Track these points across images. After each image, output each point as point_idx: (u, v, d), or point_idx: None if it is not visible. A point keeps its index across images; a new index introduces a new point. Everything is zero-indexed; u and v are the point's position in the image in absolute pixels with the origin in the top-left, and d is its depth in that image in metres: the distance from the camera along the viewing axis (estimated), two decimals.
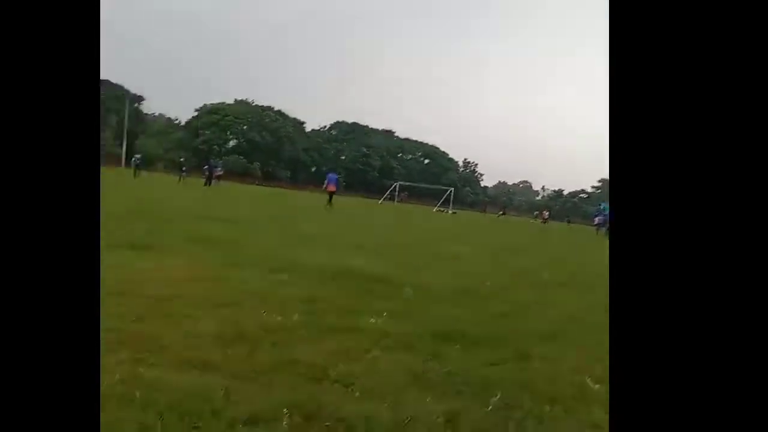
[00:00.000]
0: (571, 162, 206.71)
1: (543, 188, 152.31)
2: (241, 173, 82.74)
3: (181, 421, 2.28)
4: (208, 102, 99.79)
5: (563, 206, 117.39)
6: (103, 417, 2.22)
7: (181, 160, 48.62)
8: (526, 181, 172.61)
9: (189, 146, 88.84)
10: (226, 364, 2.95)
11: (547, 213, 67.75)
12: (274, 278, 5.47)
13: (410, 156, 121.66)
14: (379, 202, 58.47)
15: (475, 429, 2.56)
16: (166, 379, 2.64)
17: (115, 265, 4.98)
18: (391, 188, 65.68)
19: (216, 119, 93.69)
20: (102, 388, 2.43)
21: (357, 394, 2.77)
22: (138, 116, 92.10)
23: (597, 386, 3.18)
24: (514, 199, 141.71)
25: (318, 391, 2.75)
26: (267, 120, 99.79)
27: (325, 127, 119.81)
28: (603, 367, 3.47)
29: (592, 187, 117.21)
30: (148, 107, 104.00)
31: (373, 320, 4.16)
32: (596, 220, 35.75)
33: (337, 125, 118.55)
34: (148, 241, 6.75)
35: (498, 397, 2.90)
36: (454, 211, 56.77)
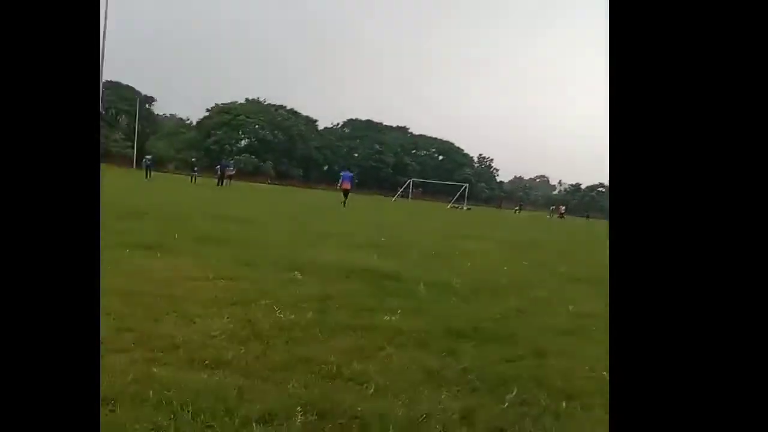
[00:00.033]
0: (588, 156, 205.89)
1: (560, 182, 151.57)
2: (253, 172, 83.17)
3: (194, 421, 2.28)
4: (220, 102, 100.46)
5: (581, 200, 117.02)
6: (116, 417, 2.24)
7: (193, 160, 49.07)
8: (543, 176, 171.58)
9: (201, 146, 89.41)
10: (239, 362, 2.95)
11: (563, 208, 67.43)
12: (288, 277, 5.46)
13: (424, 152, 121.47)
14: (393, 199, 58.43)
15: (491, 426, 2.54)
16: (179, 379, 2.64)
17: (128, 265, 5.00)
18: (405, 185, 65.54)
19: (228, 119, 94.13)
20: (115, 388, 2.44)
21: (371, 391, 2.76)
22: (149, 117, 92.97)
23: None
24: (530, 194, 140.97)
25: (332, 389, 2.73)
26: (279, 119, 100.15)
27: (338, 124, 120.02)
28: None
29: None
30: (159, 108, 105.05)
31: (387, 318, 4.14)
32: None
33: (351, 123, 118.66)
34: (161, 241, 6.77)
35: (514, 393, 2.88)
36: (468, 207, 56.68)
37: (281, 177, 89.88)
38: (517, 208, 74.11)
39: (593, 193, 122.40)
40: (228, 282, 4.94)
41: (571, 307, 5.29)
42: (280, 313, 3.97)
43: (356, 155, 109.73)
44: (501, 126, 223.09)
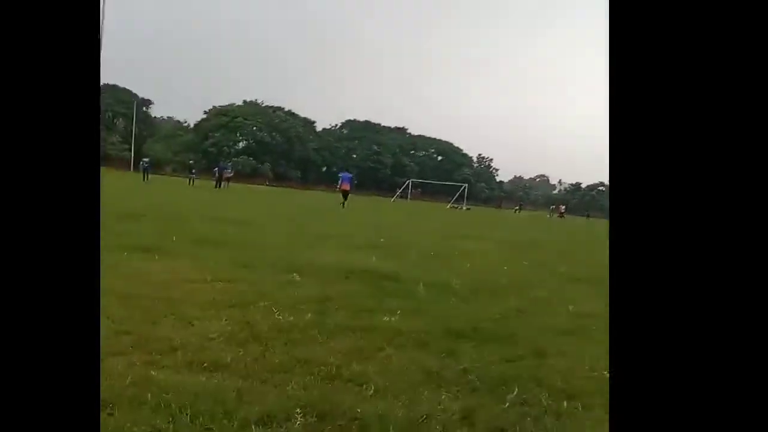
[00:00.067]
0: (588, 155, 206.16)
1: (560, 182, 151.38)
2: (251, 174, 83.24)
3: (193, 423, 2.27)
4: (217, 104, 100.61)
5: (581, 200, 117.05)
6: (115, 420, 2.23)
7: (191, 162, 48.99)
8: (543, 175, 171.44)
9: (198, 148, 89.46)
10: (238, 364, 2.94)
11: (563, 207, 67.45)
12: (286, 278, 5.45)
13: (423, 153, 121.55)
14: (392, 200, 58.43)
15: (492, 426, 2.53)
16: (177, 381, 2.63)
17: (126, 268, 4.99)
18: (404, 185, 65.50)
19: (225, 121, 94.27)
20: (114, 391, 2.43)
21: (371, 392, 2.75)
22: (146, 120, 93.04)
23: None
24: (530, 194, 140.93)
25: (331, 390, 2.72)
26: (277, 120, 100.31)
27: (336, 125, 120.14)
28: None
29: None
30: (156, 110, 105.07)
31: (386, 318, 4.13)
32: None
33: (349, 124, 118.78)
34: (159, 243, 6.76)
35: (514, 393, 2.87)
36: (468, 207, 56.73)
37: (279, 179, 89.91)
38: (517, 207, 74.30)
39: (593, 193, 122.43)
40: (226, 284, 4.93)
41: (571, 307, 5.28)
42: (278, 315, 3.96)
43: (355, 156, 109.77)
44: (500, 126, 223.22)
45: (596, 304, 5.47)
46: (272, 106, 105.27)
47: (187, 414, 2.31)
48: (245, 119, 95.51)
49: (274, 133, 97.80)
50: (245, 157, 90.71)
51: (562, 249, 13.68)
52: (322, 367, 2.99)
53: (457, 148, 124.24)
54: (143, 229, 7.81)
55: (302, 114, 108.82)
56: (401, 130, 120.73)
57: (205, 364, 2.90)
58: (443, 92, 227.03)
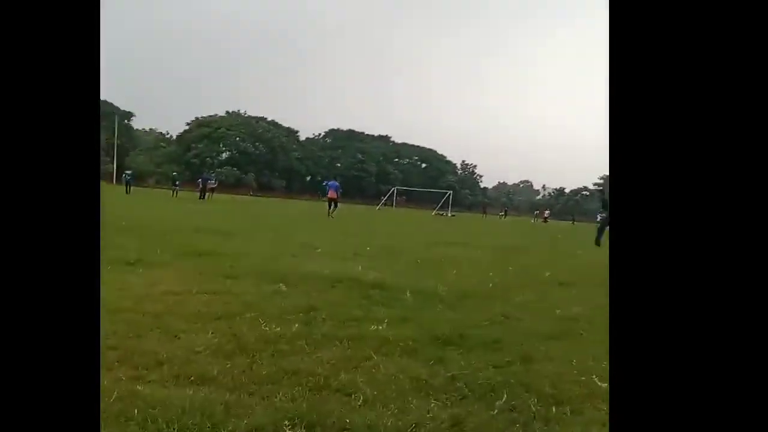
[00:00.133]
0: (572, 160, 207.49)
1: (544, 187, 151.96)
2: (235, 185, 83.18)
3: None
4: (200, 115, 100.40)
5: (565, 204, 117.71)
6: None
7: (174, 174, 48.80)
8: (526, 181, 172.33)
9: (181, 160, 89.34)
10: (225, 377, 2.92)
11: (547, 212, 68.04)
12: (272, 289, 5.43)
13: (407, 160, 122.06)
14: (377, 207, 58.38)
15: None
16: (164, 396, 2.61)
17: (110, 282, 4.94)
18: (389, 193, 65.46)
19: (208, 132, 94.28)
20: (100, 407, 2.40)
21: (359, 402, 2.74)
22: (128, 132, 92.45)
23: (604, 385, 3.13)
24: (514, 199, 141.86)
25: (319, 400, 2.71)
26: (260, 130, 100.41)
27: (319, 135, 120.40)
28: None
29: (594, 184, 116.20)
30: (138, 123, 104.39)
31: (373, 327, 4.12)
32: (599, 217, 35.48)
33: (332, 133, 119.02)
34: (143, 256, 6.71)
35: (503, 400, 2.87)
36: (453, 214, 56.81)
37: (264, 189, 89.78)
38: (502, 213, 75.23)
39: (577, 197, 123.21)
40: (212, 296, 4.90)
41: (557, 311, 5.29)
42: (265, 326, 3.93)
43: (339, 165, 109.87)
44: (484, 132, 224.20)
45: (582, 307, 5.50)
46: (255, 117, 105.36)
47: (174, 429, 2.29)
48: (228, 130, 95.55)
49: (257, 143, 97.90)
50: (229, 167, 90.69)
51: (546, 254, 13.73)
52: (310, 378, 2.98)
53: (441, 155, 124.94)
54: (127, 242, 7.73)
55: (285, 124, 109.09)
56: (384, 138, 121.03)
57: (192, 378, 2.87)
58: (425, 100, 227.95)
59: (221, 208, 26.76)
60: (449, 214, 54.51)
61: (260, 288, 5.43)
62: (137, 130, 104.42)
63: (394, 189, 66.90)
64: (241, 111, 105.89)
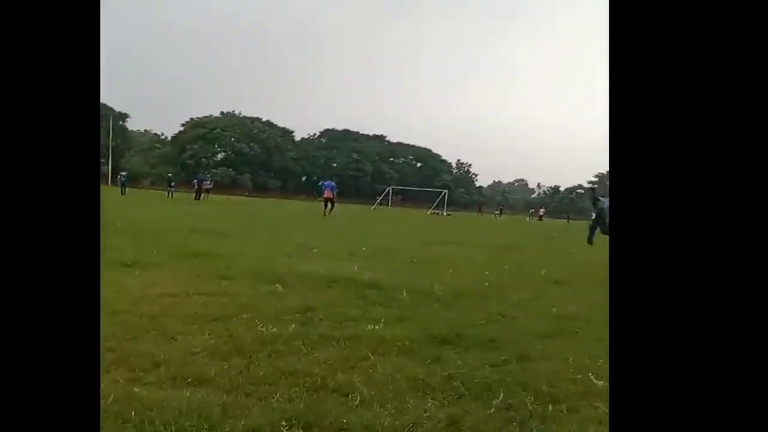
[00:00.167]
0: (567, 158, 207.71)
1: (539, 185, 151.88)
2: (230, 185, 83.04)
3: None
4: (194, 116, 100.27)
5: (560, 203, 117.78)
6: None
7: (170, 175, 48.68)
8: (521, 179, 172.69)
9: (176, 161, 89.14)
10: (222, 379, 2.92)
11: (542, 210, 68.20)
12: (269, 289, 5.43)
13: (402, 160, 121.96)
14: (373, 207, 58.31)
15: None
16: (161, 397, 2.60)
17: (107, 283, 4.92)
18: (384, 193, 65.43)
19: (203, 133, 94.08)
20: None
21: (356, 402, 2.74)
22: (123, 134, 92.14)
23: (600, 383, 3.15)
24: (509, 198, 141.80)
25: (317, 401, 2.71)
26: (255, 131, 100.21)
27: (314, 135, 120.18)
28: (606, 363, 3.44)
29: (589, 182, 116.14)
30: (133, 124, 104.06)
31: (370, 327, 4.13)
32: (593, 215, 35.29)
33: (327, 133, 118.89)
34: (139, 258, 6.70)
35: (500, 398, 2.87)
36: (448, 213, 56.85)
37: (259, 189, 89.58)
38: (498, 212, 75.40)
39: (572, 196, 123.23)
40: (208, 297, 4.89)
41: (554, 310, 5.31)
42: (262, 327, 3.93)
43: (334, 165, 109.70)
44: (478, 131, 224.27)
45: (578, 305, 5.51)
46: (250, 117, 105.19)
47: (171, 430, 2.29)
48: (223, 130, 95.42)
49: (252, 144, 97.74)
50: (224, 168, 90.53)
51: (541, 252, 13.75)
52: (307, 378, 2.98)
53: (436, 154, 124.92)
54: (123, 244, 7.71)
55: (280, 124, 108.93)
56: (380, 138, 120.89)
57: (189, 379, 2.87)
58: (420, 99, 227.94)
59: (217, 208, 26.70)
60: (445, 214, 54.51)
61: (256, 289, 5.43)
62: (132, 131, 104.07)
63: (390, 188, 66.89)
64: (236, 111, 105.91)
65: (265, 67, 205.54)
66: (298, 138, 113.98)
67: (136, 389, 2.68)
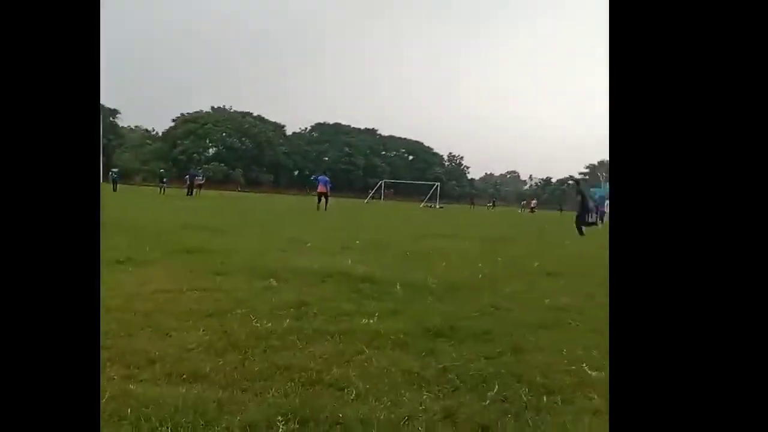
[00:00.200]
0: (558, 150, 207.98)
1: (530, 177, 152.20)
2: (222, 181, 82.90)
3: None
4: (185, 111, 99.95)
5: (552, 194, 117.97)
6: None
7: (161, 171, 48.49)
8: (513, 171, 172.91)
9: (168, 157, 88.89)
10: (217, 374, 2.92)
11: (534, 202, 68.27)
12: (263, 285, 5.42)
13: (394, 153, 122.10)
14: (365, 201, 58.28)
15: (473, 424, 2.54)
16: (157, 394, 2.60)
17: (101, 281, 4.91)
18: (377, 186, 65.32)
19: (194, 128, 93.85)
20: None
21: (352, 396, 2.75)
22: (114, 130, 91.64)
23: (594, 373, 3.17)
24: (501, 190, 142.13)
25: (312, 395, 2.72)
26: (246, 126, 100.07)
27: (306, 129, 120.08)
28: (600, 354, 3.47)
29: (580, 173, 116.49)
30: (123, 120, 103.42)
31: (365, 321, 4.13)
32: (590, 206, 35.28)
33: (319, 127, 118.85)
34: (133, 255, 6.67)
35: (495, 390, 2.89)
36: (441, 205, 56.88)
37: (251, 184, 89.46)
38: (490, 204, 75.74)
39: (564, 187, 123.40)
40: (202, 293, 4.89)
41: (546, 301, 5.33)
42: (256, 322, 3.94)
43: (326, 159, 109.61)
44: (470, 124, 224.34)
45: (571, 297, 5.54)
46: (241, 112, 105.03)
47: (167, 427, 2.29)
48: (214, 125, 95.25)
49: (243, 139, 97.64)
50: (216, 163, 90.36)
51: (534, 244, 13.78)
52: (303, 373, 2.98)
53: (428, 147, 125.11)
54: (116, 241, 7.67)
55: (271, 119, 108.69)
56: (371, 132, 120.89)
57: (184, 376, 2.87)
58: (410, 92, 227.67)
59: (209, 204, 26.63)
60: (437, 206, 54.51)
61: (251, 284, 5.42)
62: (122, 127, 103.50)
63: (382, 182, 66.80)
64: (227, 106, 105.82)
65: (255, 61, 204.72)
66: (289, 132, 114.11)
67: (131, 386, 2.68)
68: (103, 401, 2.46)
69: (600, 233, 17.15)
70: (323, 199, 25.52)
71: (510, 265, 8.24)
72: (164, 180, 42.44)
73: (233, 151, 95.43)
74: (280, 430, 2.35)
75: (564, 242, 14.62)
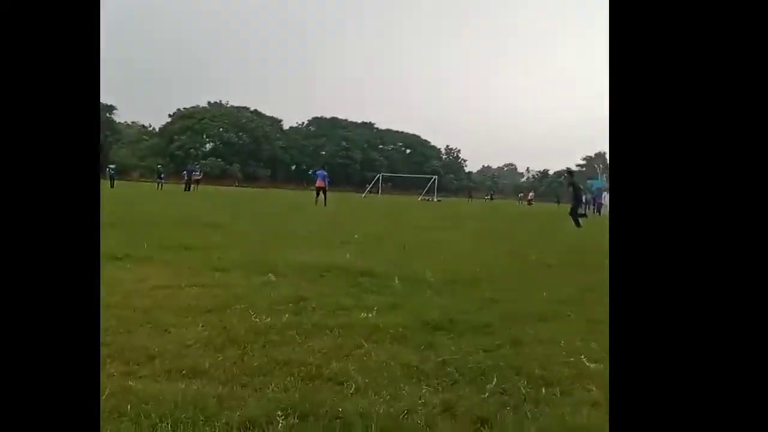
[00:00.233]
0: (555, 142, 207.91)
1: (528, 170, 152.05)
2: (220, 176, 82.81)
3: None
4: (181, 106, 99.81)
5: (549, 186, 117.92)
6: None
7: (159, 166, 48.34)
8: (511, 164, 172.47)
9: (165, 152, 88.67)
10: (217, 370, 2.92)
11: (531, 194, 68.42)
12: (262, 280, 5.43)
13: (391, 146, 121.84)
14: (363, 195, 58.23)
15: (473, 417, 2.55)
16: (157, 390, 2.60)
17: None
18: (374, 180, 65.27)
19: (191, 123, 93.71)
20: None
21: (351, 390, 2.75)
22: (110, 126, 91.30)
23: (593, 365, 3.18)
24: (499, 183, 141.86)
25: (312, 390, 2.72)
26: (243, 120, 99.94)
27: (303, 123, 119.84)
28: (598, 346, 3.47)
29: (577, 165, 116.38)
30: (120, 116, 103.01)
31: (363, 315, 4.14)
32: (584, 198, 35.40)
33: (316, 121, 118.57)
34: (131, 251, 6.66)
35: (494, 383, 2.90)
36: (439, 199, 56.92)
37: (249, 179, 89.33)
38: (488, 197, 75.89)
39: (561, 179, 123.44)
40: (201, 289, 4.89)
41: (544, 293, 5.34)
42: (255, 318, 3.94)
43: (323, 153, 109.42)
44: (467, 117, 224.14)
45: (569, 289, 5.55)
46: (237, 107, 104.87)
47: (167, 423, 2.29)
48: (211, 121, 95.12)
49: (240, 134, 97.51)
50: (213, 158, 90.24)
51: (532, 236, 13.80)
52: (302, 368, 2.99)
53: (425, 140, 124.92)
54: (114, 237, 7.66)
55: (268, 113, 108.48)
56: (368, 125, 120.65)
57: (184, 372, 2.88)
58: (407, 85, 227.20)
59: (207, 200, 26.61)
60: (435, 200, 54.58)
61: (249, 279, 5.43)
62: (119, 123, 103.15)
63: (380, 175, 66.75)
64: (223, 101, 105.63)
65: (251, 56, 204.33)
66: (286, 127, 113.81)
67: (131, 383, 2.68)
68: (103, 398, 2.46)
69: (598, 224, 17.16)
70: (322, 194, 25.51)
71: (508, 258, 8.25)
72: (161, 176, 42.37)
73: (230, 146, 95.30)
74: (280, 424, 2.35)
75: (561, 235, 14.63)
